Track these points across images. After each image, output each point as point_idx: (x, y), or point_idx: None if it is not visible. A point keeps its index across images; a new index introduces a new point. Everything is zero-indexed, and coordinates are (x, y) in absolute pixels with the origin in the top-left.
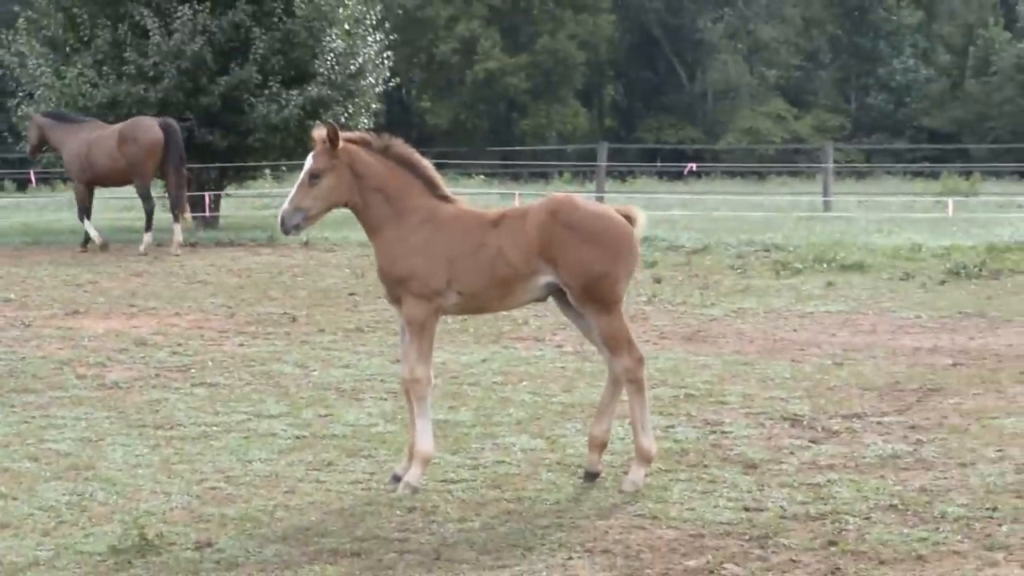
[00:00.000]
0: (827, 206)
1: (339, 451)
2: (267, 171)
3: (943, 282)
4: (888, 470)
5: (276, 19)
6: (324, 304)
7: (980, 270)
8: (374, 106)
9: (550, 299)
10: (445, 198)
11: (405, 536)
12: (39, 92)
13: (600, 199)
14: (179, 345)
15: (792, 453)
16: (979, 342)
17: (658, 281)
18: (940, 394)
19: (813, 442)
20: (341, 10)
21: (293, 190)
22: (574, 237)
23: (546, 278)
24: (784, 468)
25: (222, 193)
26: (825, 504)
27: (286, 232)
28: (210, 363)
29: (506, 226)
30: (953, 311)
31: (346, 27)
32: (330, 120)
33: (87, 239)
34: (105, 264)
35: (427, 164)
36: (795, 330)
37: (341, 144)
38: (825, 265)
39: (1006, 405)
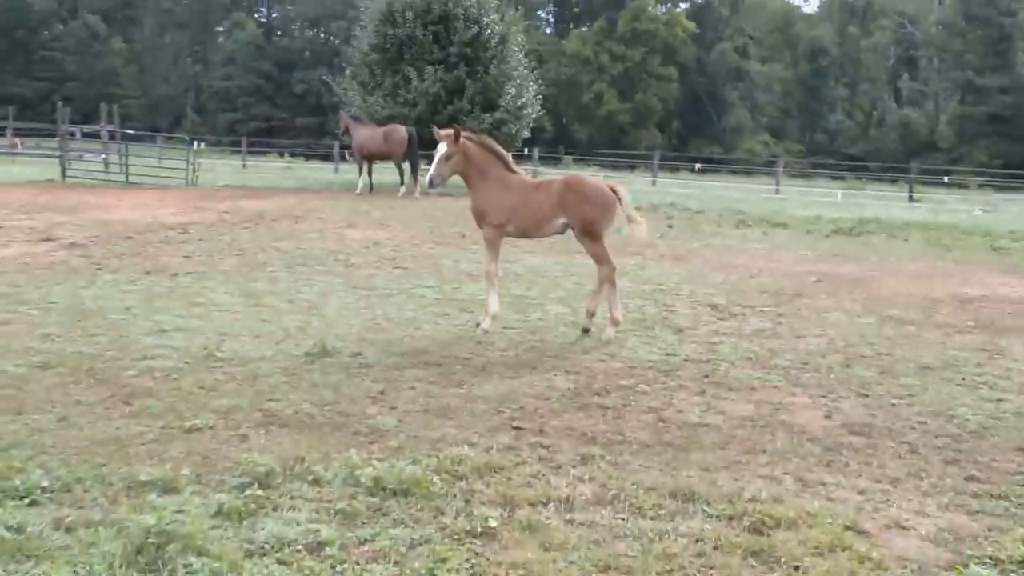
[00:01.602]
0: (777, 192)
1: (455, 307)
2: None
3: (827, 236)
4: (756, 337)
5: (479, 76)
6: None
7: (851, 231)
8: (531, 125)
9: (568, 232)
10: (511, 171)
11: (470, 357)
12: (352, 110)
13: (653, 182)
14: (396, 246)
15: (705, 324)
16: (835, 269)
17: (670, 227)
18: (802, 297)
19: (720, 319)
20: (515, 73)
21: (434, 163)
22: (577, 198)
23: (561, 220)
24: (697, 333)
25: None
26: (713, 354)
27: (431, 187)
28: (408, 257)
29: (542, 189)
30: (827, 253)
31: (517, 81)
32: (455, 124)
33: (361, 187)
34: (373, 201)
35: (503, 151)
36: (735, 257)
37: (460, 139)
38: (765, 223)
39: (835, 304)
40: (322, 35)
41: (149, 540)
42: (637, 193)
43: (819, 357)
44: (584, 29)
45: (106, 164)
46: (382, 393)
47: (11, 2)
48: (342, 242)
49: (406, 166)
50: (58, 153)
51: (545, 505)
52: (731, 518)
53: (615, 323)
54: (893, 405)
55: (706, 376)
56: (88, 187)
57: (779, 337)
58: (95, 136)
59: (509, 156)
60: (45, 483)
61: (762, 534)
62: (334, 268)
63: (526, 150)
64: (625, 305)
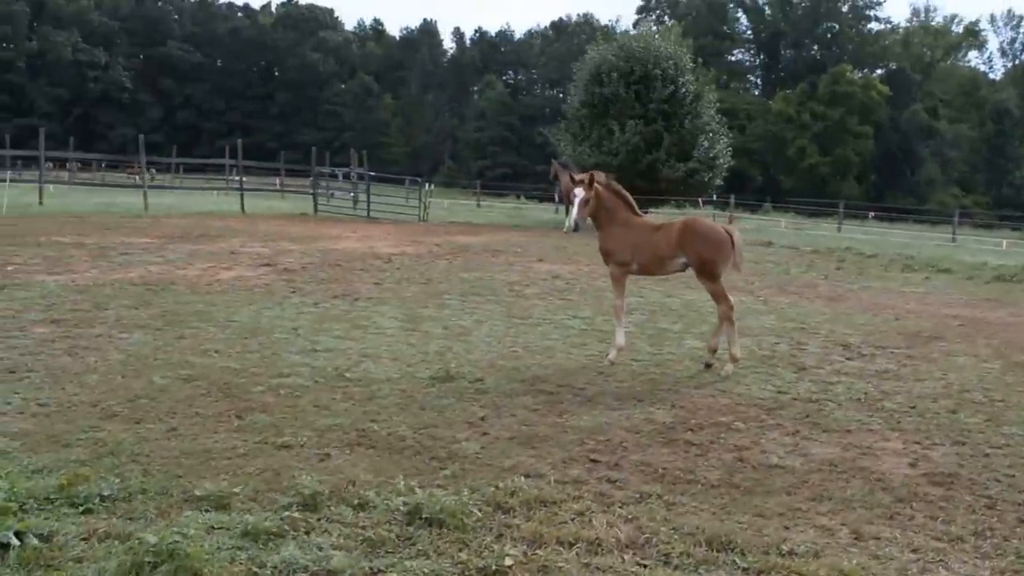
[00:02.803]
0: (953, 240)
1: (595, 339)
2: (671, 202)
3: (987, 282)
4: (875, 378)
5: (675, 129)
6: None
7: (1013, 278)
8: (723, 174)
9: (688, 270)
10: (636, 214)
11: (584, 387)
12: (563, 158)
13: (838, 228)
14: (572, 280)
15: (830, 364)
16: (983, 314)
17: (837, 269)
18: (938, 340)
19: (847, 359)
20: (707, 127)
21: (575, 208)
22: (694, 239)
23: (681, 259)
24: (818, 372)
25: (646, 211)
26: (824, 394)
27: (575, 230)
28: (578, 289)
29: (663, 230)
30: (981, 298)
31: (710, 134)
32: (592, 172)
33: (567, 227)
34: (574, 239)
35: (627, 195)
36: (888, 299)
37: (595, 185)
38: (930, 268)
39: (968, 349)
40: (560, 94)
41: (146, 559)
42: (821, 237)
43: (929, 401)
44: (788, 91)
45: (354, 201)
46: (482, 419)
47: (301, 65)
48: (525, 275)
49: None
50: (310, 191)
51: (571, 546)
52: (760, 572)
53: (733, 360)
54: (987, 455)
55: (807, 416)
56: (334, 220)
57: (898, 379)
58: (347, 177)
59: (631, 198)
60: (107, 492)
61: None
62: (503, 298)
63: (715, 196)
64: (758, 342)
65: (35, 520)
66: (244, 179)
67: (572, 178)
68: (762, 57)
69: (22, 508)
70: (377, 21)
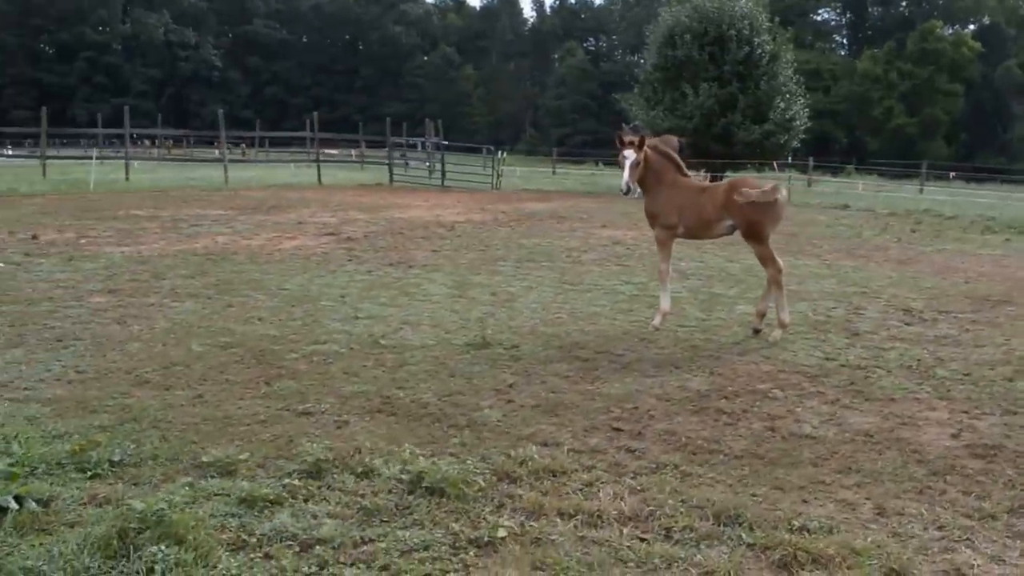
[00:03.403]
0: None
1: (644, 304)
2: (747, 166)
3: None
4: (932, 344)
5: (750, 91)
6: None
7: None
8: (800, 136)
9: (736, 233)
10: (684, 174)
11: (623, 354)
12: (636, 122)
13: (920, 190)
14: (633, 246)
15: (887, 329)
16: None
17: (912, 231)
18: (1007, 304)
19: (906, 324)
20: (784, 88)
21: (625, 171)
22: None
23: (728, 222)
24: (873, 337)
25: (722, 174)
26: (875, 361)
27: (626, 193)
28: (636, 255)
29: (709, 192)
30: None
31: (787, 96)
32: (641, 132)
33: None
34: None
35: (676, 156)
36: (961, 262)
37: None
38: (1011, 230)
39: None
40: (640, 59)
41: (131, 525)
42: (900, 199)
43: (987, 368)
44: (875, 50)
45: (429, 171)
46: (510, 386)
47: (383, 38)
48: (586, 240)
49: None
50: (386, 161)
51: (570, 518)
52: (766, 548)
53: (782, 325)
54: None
55: (851, 384)
56: (408, 190)
57: (957, 345)
58: (422, 147)
59: (679, 159)
60: (117, 458)
61: (789, 572)
62: (559, 264)
63: (791, 159)
64: (813, 307)
65: (38, 485)
66: (324, 151)
67: (621, 140)
68: (848, 15)
69: (32, 473)
70: None
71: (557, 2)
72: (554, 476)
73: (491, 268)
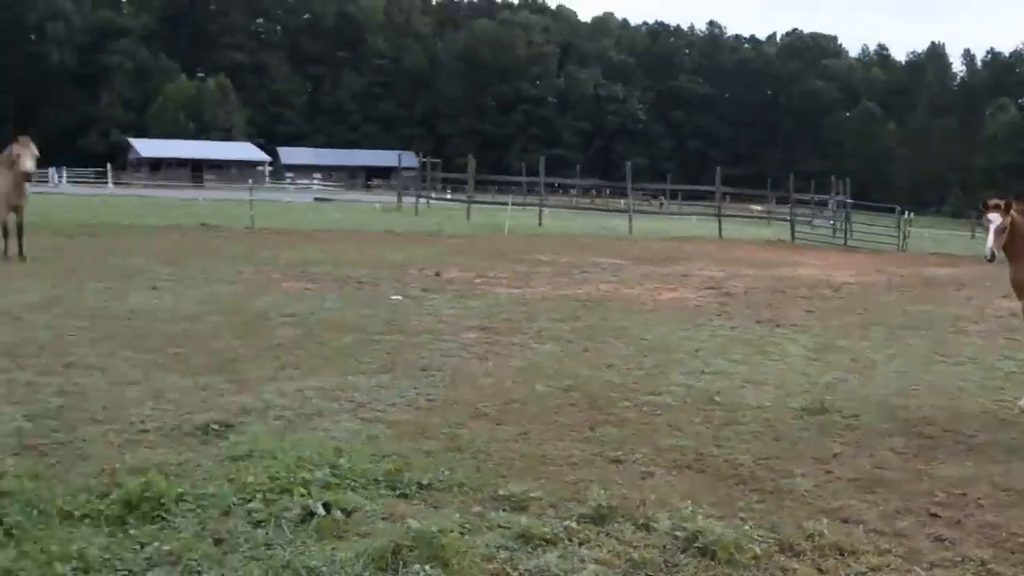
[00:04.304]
0: None
1: (1017, 383)
2: None
3: None
4: None
5: None
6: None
7: None
8: None
9: None
10: None
11: (974, 434)
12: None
13: None
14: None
15: None
16: None
17: None
18: None
19: None
20: None
21: (990, 236)
22: None
23: None
24: None
25: None
26: None
27: (990, 260)
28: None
29: None
30: None
31: None
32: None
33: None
34: None
35: None
36: None
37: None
38: None
39: None
40: None
41: (405, 543)
42: None
43: None
44: None
45: (834, 229)
46: (833, 456)
47: (804, 93)
48: (980, 310)
49: None
50: (787, 218)
51: None
52: None
53: None
54: None
55: None
56: (809, 248)
57: None
58: (825, 205)
59: None
60: (426, 481)
61: None
62: (938, 334)
63: None
64: None
65: (350, 496)
66: (725, 205)
67: (985, 203)
68: None
69: (348, 485)
70: (881, 46)
71: (989, 55)
72: (841, 555)
73: (862, 332)
